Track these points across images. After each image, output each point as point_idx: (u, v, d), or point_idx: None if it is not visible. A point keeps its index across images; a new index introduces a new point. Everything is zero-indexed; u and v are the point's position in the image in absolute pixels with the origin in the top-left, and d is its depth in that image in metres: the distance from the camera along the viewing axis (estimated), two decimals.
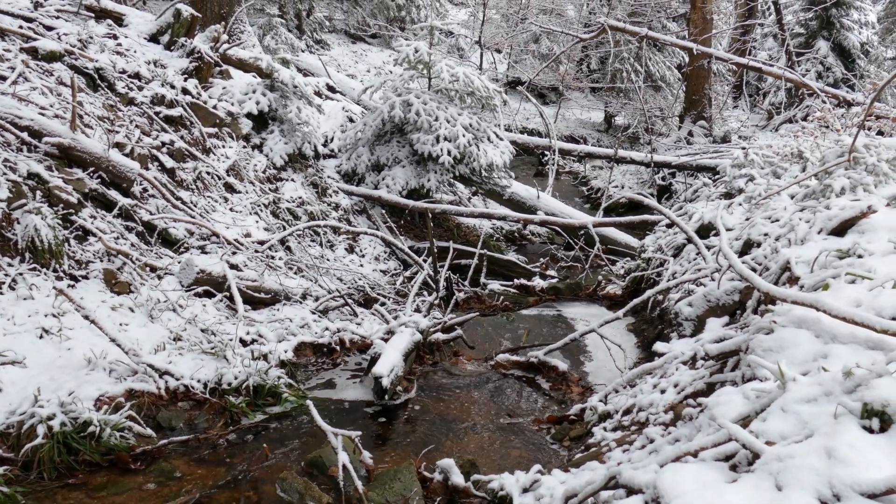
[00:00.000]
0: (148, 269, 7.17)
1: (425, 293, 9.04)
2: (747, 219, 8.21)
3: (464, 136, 10.74)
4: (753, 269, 6.66)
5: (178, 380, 5.72)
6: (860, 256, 5.31)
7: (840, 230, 6.12)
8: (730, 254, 5.72)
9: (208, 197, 8.91)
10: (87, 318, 5.65)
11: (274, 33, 19.35)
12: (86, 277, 6.61)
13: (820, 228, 6.32)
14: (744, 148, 11.15)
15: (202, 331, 6.61)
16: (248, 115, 10.34)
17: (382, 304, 8.62)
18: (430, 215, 10.06)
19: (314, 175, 10.80)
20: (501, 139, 11.73)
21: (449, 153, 10.59)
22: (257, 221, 9.15)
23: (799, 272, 5.66)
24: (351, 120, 12.54)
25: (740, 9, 23.73)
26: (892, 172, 7.31)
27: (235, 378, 5.94)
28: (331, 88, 14.08)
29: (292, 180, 10.39)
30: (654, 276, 9.08)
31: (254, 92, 10.41)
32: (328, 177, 11.13)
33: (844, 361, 3.64)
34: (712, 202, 10.01)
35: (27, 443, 4.73)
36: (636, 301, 7.52)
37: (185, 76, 9.95)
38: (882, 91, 7.66)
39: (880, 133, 11.93)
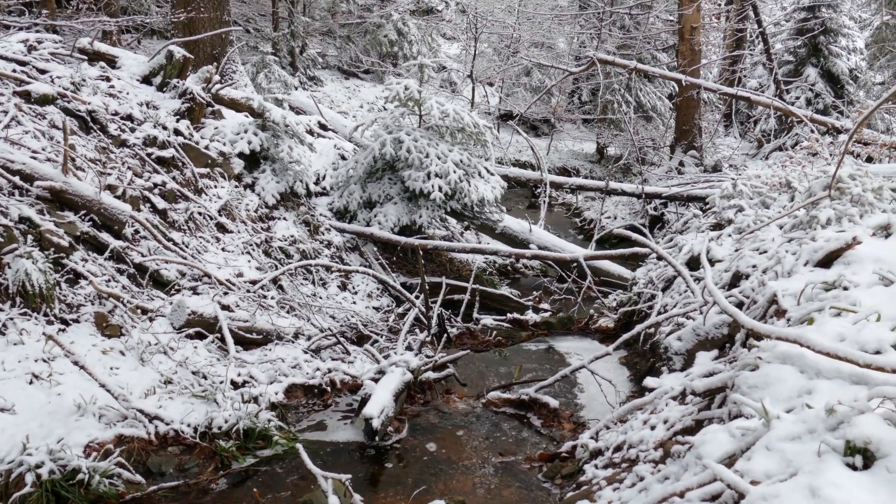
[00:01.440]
0: (139, 311, 7.18)
1: (417, 330, 9.04)
2: (736, 250, 8.26)
3: (455, 171, 10.81)
4: (741, 303, 6.69)
5: (168, 424, 5.72)
6: (845, 288, 5.34)
7: (826, 262, 6.16)
8: (714, 290, 5.76)
9: (200, 237, 8.95)
10: (76, 363, 5.66)
11: (267, 71, 19.48)
12: (77, 321, 6.63)
13: (806, 260, 6.36)
14: (733, 179, 11.23)
15: (193, 373, 6.61)
16: (240, 155, 10.41)
17: (374, 342, 8.62)
18: (422, 251, 10.10)
19: (306, 213, 10.86)
20: (492, 174, 11.80)
21: (440, 189, 10.66)
22: (249, 261, 9.18)
23: (786, 305, 5.70)
24: (343, 157, 12.61)
25: (729, 39, 24.00)
26: (877, 202, 7.37)
27: (226, 421, 5.93)
28: (323, 126, 14.17)
29: (284, 219, 10.44)
30: (645, 309, 9.10)
31: (245, 132, 10.49)
32: (320, 214, 11.18)
33: (828, 397, 3.67)
34: (702, 234, 10.07)
35: (15, 491, 4.72)
36: (626, 336, 7.55)
37: (178, 117, 10.03)
38: (867, 119, 7.74)
39: (869, 159, 12.03)
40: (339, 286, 10.08)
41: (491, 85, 27.17)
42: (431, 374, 7.51)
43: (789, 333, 4.31)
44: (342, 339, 8.30)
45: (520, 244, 11.86)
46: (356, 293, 10.16)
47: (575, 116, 26.00)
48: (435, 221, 11.20)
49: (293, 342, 7.99)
